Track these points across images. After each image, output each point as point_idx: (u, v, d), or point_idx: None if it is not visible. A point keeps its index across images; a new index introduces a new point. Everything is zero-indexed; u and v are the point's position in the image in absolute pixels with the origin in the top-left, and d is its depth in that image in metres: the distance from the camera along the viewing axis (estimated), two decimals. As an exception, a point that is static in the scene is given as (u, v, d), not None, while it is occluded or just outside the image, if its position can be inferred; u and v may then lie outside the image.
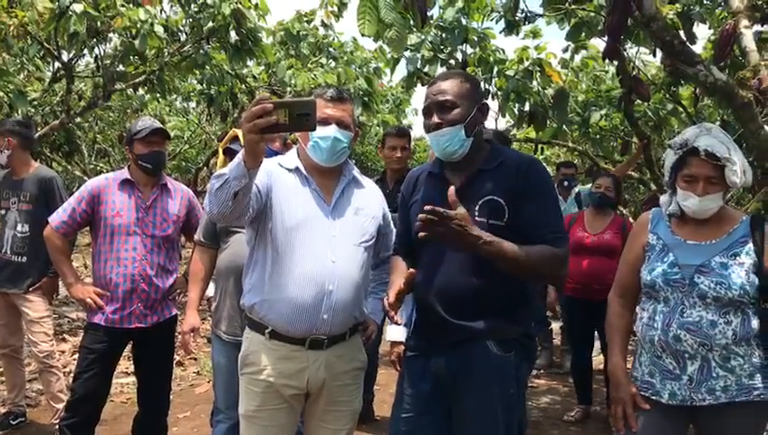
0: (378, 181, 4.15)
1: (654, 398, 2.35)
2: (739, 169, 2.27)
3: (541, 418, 4.87)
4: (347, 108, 2.41)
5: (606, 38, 3.93)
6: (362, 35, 3.21)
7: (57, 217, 3.35)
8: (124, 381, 5.06)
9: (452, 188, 2.05)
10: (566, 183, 6.31)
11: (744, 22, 3.07)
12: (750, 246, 2.30)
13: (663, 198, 2.46)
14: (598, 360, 5.04)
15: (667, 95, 6.57)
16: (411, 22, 3.89)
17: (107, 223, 3.32)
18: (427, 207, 1.94)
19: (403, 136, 4.33)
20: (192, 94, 9.74)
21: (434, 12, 5.44)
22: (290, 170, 2.41)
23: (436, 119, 2.22)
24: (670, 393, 2.31)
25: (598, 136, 7.54)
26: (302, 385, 2.36)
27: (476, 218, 2.16)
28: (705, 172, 2.29)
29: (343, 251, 2.36)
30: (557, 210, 2.26)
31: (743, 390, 2.25)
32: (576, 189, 6.27)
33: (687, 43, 2.87)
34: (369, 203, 2.52)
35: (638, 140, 6.06)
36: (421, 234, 1.98)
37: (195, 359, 5.72)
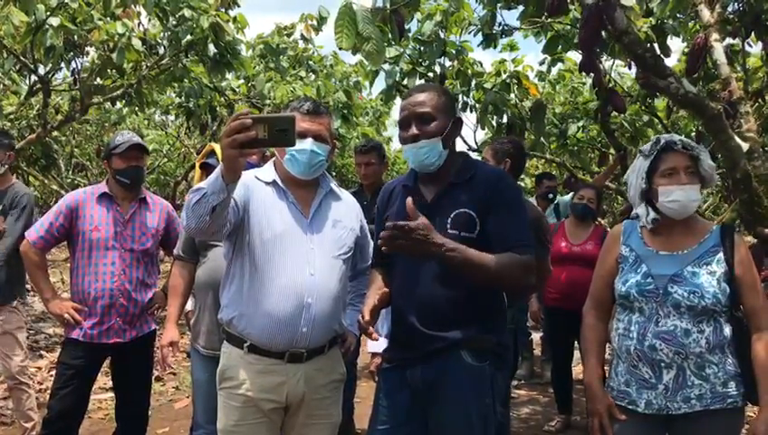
0: (355, 193, 4.17)
1: (630, 407, 2.37)
2: (710, 160, 2.35)
3: (522, 428, 4.88)
4: (324, 121, 2.42)
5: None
6: (340, 49, 3.23)
7: (34, 231, 3.33)
8: (102, 397, 5.00)
9: (409, 200, 2.05)
10: (551, 195, 6.34)
11: (715, 35, 3.13)
12: (721, 255, 2.33)
13: (639, 210, 2.48)
14: (578, 369, 5.07)
15: (643, 107, 6.67)
16: (389, 35, 3.92)
17: (85, 237, 3.29)
18: (388, 224, 1.97)
19: (366, 153, 4.34)
20: (171, 108, 9.72)
21: (412, 25, 5.50)
22: (267, 183, 2.41)
23: (414, 130, 2.23)
24: (646, 402, 2.33)
25: (575, 148, 7.62)
26: (281, 399, 2.35)
27: (449, 231, 2.18)
28: (684, 162, 2.34)
29: (321, 264, 2.37)
30: (524, 222, 2.26)
31: (717, 397, 2.28)
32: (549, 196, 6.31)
33: (659, 57, 2.92)
34: (346, 215, 2.53)
35: (615, 152, 6.14)
36: (384, 249, 2.00)
37: (174, 374, 5.68)
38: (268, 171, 2.46)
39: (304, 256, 2.35)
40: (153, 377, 5.17)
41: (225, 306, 2.41)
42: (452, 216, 2.20)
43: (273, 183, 2.42)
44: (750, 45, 4.99)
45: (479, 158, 3.89)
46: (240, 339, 2.36)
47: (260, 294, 2.31)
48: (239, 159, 1.94)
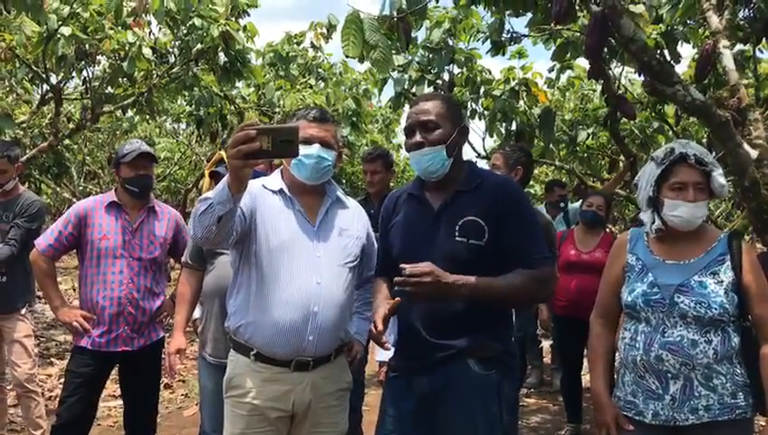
0: (362, 201, 4.17)
1: (637, 418, 2.34)
2: (722, 178, 2.32)
3: (531, 437, 4.86)
4: (330, 128, 2.44)
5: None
6: (346, 56, 3.24)
7: (44, 240, 3.34)
8: (112, 405, 5.02)
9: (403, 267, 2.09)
10: (562, 204, 6.29)
11: (724, 42, 3.11)
12: (728, 263, 2.31)
13: (644, 216, 2.47)
14: (588, 378, 5.03)
15: (653, 113, 6.63)
16: (397, 43, 3.93)
17: (94, 246, 3.31)
18: (405, 271, 2.04)
19: (373, 161, 4.33)
20: (181, 116, 9.77)
21: (421, 33, 5.52)
22: (274, 192, 2.42)
23: (418, 138, 2.25)
24: (653, 413, 2.30)
25: (585, 154, 7.59)
26: (287, 407, 2.35)
27: (456, 238, 2.20)
28: (695, 178, 2.31)
29: (328, 272, 2.37)
30: (537, 231, 2.27)
31: (725, 409, 2.25)
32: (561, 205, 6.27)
33: (666, 63, 2.91)
34: (353, 223, 2.53)
35: (625, 158, 6.11)
36: (414, 299, 2.10)
37: (183, 381, 5.70)
38: (275, 180, 2.48)
39: (311, 265, 2.35)
40: (162, 385, 5.19)
41: (232, 314, 2.41)
42: (459, 223, 2.21)
43: (280, 191, 2.43)
44: (761, 51, 4.97)
45: (487, 165, 3.90)
46: (246, 347, 2.36)
47: (266, 302, 2.31)
48: (244, 170, 1.95)
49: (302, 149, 2.32)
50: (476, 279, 2.10)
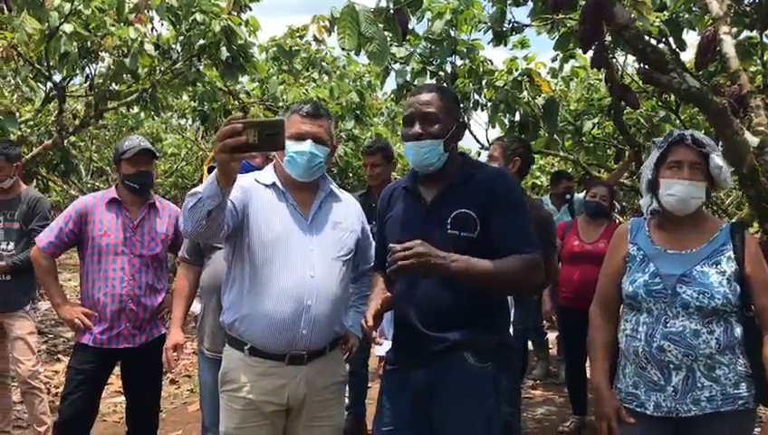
0: (364, 194, 4.16)
1: (639, 410, 2.32)
2: (722, 158, 2.30)
3: (536, 429, 4.83)
4: (323, 123, 2.41)
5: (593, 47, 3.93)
6: (342, 49, 3.22)
7: (44, 237, 3.34)
8: (117, 401, 5.03)
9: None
10: (568, 195, 6.25)
11: (724, 28, 3.07)
12: (731, 253, 2.28)
13: (643, 200, 2.46)
14: (593, 369, 4.99)
15: (660, 102, 6.56)
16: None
17: (94, 243, 3.30)
18: (390, 252, 2.00)
19: (372, 154, 4.34)
20: (186, 111, 9.77)
21: (422, 24, 5.49)
22: (267, 186, 2.42)
23: (417, 129, 2.22)
24: (655, 405, 2.28)
25: (591, 144, 7.53)
26: (282, 401, 2.35)
27: (448, 231, 2.18)
28: (691, 157, 2.29)
29: (321, 266, 2.36)
30: (527, 221, 2.25)
31: (728, 399, 2.23)
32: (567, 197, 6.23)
33: (664, 50, 2.87)
34: (347, 217, 2.52)
35: (630, 148, 6.06)
36: (393, 277, 2.09)
37: (189, 377, 5.70)
38: (268, 174, 2.47)
39: (304, 258, 2.34)
40: (168, 380, 5.21)
41: (227, 309, 2.41)
42: (452, 216, 2.19)
43: (273, 185, 2.42)
44: (767, 38, 4.89)
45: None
46: (241, 341, 2.36)
47: (260, 296, 2.31)
48: (232, 164, 1.94)
49: (295, 146, 2.33)
50: (471, 259, 2.07)
